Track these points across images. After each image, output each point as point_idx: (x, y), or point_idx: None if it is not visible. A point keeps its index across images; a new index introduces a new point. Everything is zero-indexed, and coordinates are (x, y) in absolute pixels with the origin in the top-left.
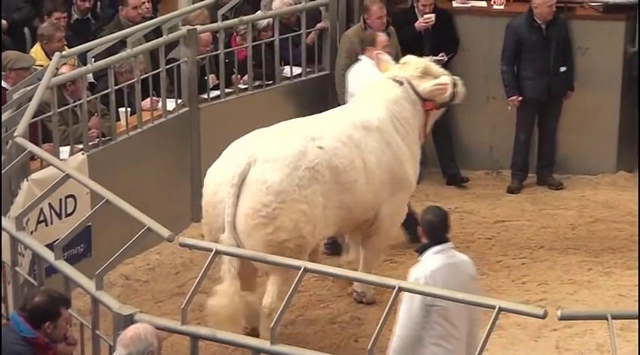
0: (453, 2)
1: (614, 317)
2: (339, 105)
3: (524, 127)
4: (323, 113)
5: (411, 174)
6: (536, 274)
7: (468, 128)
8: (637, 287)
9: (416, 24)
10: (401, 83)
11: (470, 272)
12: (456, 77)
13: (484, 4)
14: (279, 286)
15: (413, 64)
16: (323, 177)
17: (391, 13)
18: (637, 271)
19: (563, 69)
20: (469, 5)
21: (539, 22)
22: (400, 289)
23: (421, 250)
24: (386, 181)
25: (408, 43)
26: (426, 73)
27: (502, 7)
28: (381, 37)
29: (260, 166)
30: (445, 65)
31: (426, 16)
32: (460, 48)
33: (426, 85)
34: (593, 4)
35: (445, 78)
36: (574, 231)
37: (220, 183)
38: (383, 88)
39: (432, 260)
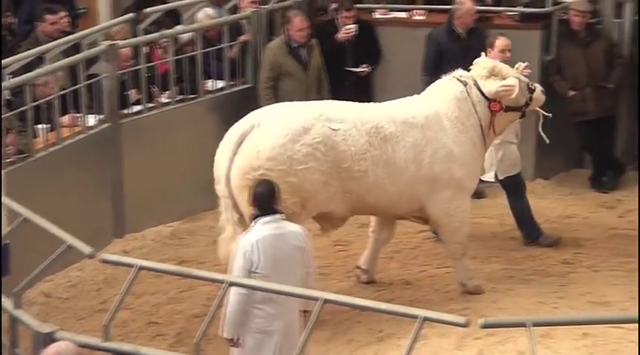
0: (375, 14)
1: (534, 325)
2: None
3: None
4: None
5: (461, 173)
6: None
7: None
8: (556, 294)
9: (337, 35)
10: (465, 83)
11: (296, 243)
12: (536, 85)
13: (405, 15)
14: None
15: (482, 63)
16: (325, 157)
17: (314, 25)
18: (557, 278)
19: None
20: (390, 16)
21: (459, 31)
22: (326, 301)
23: (252, 220)
24: (422, 178)
25: (331, 54)
26: (494, 74)
27: (422, 17)
28: (499, 41)
29: (260, 130)
30: (368, 76)
31: (346, 27)
32: (384, 59)
33: (492, 86)
34: (509, 13)
35: (512, 80)
36: (495, 240)
37: (228, 137)
38: (444, 87)
39: (260, 229)
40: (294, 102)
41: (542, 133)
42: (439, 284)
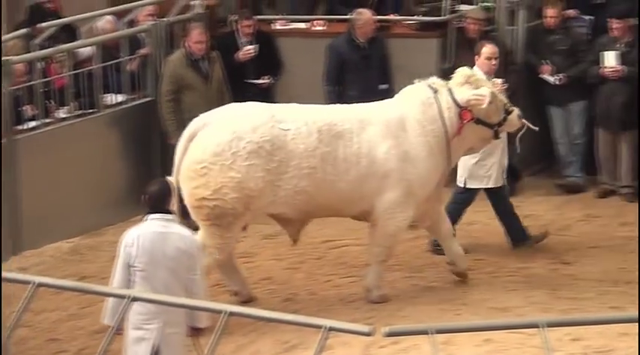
0: (274, 25)
1: (437, 332)
2: (163, 131)
3: None
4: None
5: (412, 176)
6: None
7: None
8: (458, 301)
9: (237, 55)
10: (435, 90)
11: (180, 246)
12: (515, 109)
13: (305, 25)
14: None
15: (461, 71)
16: (271, 156)
17: (214, 37)
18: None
19: (384, 87)
20: (290, 27)
21: (360, 41)
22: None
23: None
24: (374, 174)
25: (233, 66)
26: (469, 82)
27: (323, 28)
28: (486, 49)
29: (210, 128)
30: (270, 88)
31: (246, 48)
32: (285, 70)
33: (465, 93)
34: (408, 22)
35: (485, 90)
36: (397, 248)
37: (183, 135)
38: (414, 91)
39: (145, 225)
40: (251, 103)
41: (517, 143)
42: (344, 294)
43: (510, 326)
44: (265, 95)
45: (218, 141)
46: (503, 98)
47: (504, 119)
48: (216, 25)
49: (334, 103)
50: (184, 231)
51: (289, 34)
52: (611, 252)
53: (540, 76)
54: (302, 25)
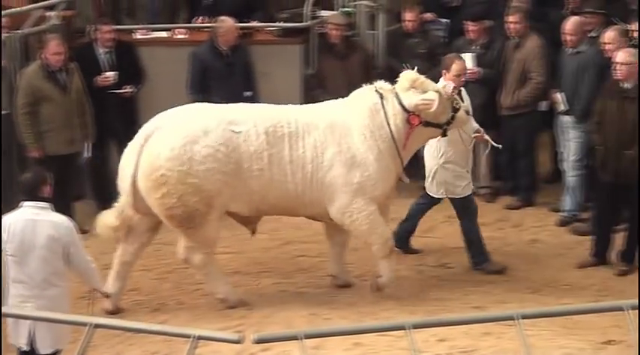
0: (135, 34)
1: (306, 337)
2: (21, 143)
3: None
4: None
5: (361, 180)
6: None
7: None
8: (328, 306)
9: (96, 80)
10: (382, 96)
11: (51, 233)
12: (463, 104)
13: (166, 34)
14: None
15: (405, 76)
16: (227, 158)
17: (72, 47)
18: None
19: (248, 94)
20: (151, 36)
21: (223, 48)
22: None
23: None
24: (320, 180)
25: (92, 77)
26: (414, 86)
27: (184, 36)
28: (455, 65)
29: (161, 133)
30: (131, 98)
31: (104, 75)
32: (147, 79)
33: (412, 99)
34: (270, 29)
35: (432, 93)
36: (267, 255)
37: (134, 140)
38: (361, 96)
39: (19, 212)
40: (201, 104)
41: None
42: (214, 303)
43: (378, 329)
44: (126, 105)
45: (172, 145)
46: (450, 97)
47: (452, 117)
48: (73, 35)
49: None
50: (58, 218)
51: (151, 43)
52: None
53: None
54: (163, 34)
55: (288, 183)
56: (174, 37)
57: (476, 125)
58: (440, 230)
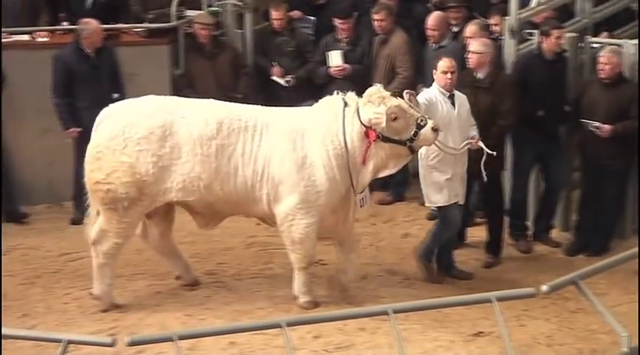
0: None
1: (180, 338)
2: None
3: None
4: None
5: (307, 183)
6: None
7: (24, 163)
8: (202, 306)
9: None
10: (346, 104)
11: None
12: (430, 121)
13: (27, 37)
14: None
15: (369, 91)
16: (162, 141)
17: None
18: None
19: (116, 96)
20: (12, 40)
21: (87, 51)
22: None
23: None
24: (270, 177)
25: None
26: (371, 101)
27: (46, 39)
28: (442, 62)
29: (110, 117)
30: None
31: None
32: (8, 83)
33: (367, 113)
34: (136, 29)
35: (382, 108)
36: (140, 256)
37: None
38: (328, 102)
39: None
40: (154, 97)
41: (483, 171)
42: (86, 306)
43: (253, 328)
44: None
45: (113, 127)
46: (414, 112)
47: (415, 134)
48: None
49: (64, 115)
50: None
51: (11, 46)
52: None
53: (271, 78)
54: (25, 37)
55: (239, 177)
56: (36, 39)
57: (473, 132)
58: None
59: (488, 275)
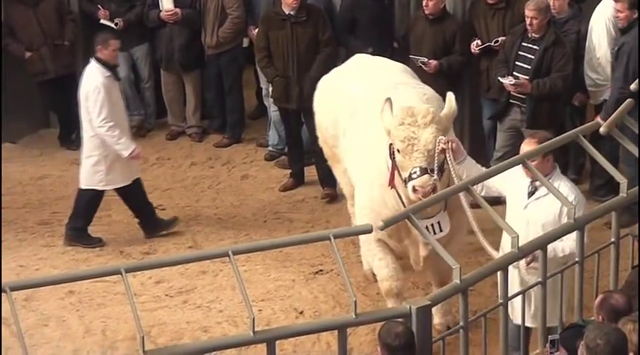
0: None
1: (12, 289)
2: None
3: None
4: None
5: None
6: None
7: None
8: (36, 256)
9: None
10: None
11: None
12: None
13: None
14: None
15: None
16: None
17: None
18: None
19: None
20: None
21: None
22: None
23: None
24: None
25: None
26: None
27: None
28: None
29: None
30: None
31: None
32: None
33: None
34: None
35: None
36: None
37: None
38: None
39: None
40: None
41: None
42: None
43: (91, 276)
44: None
45: None
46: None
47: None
48: None
49: None
50: None
51: None
52: (186, 191)
53: (100, 21)
54: None
55: None
56: None
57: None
58: (150, 172)
59: (325, 214)
